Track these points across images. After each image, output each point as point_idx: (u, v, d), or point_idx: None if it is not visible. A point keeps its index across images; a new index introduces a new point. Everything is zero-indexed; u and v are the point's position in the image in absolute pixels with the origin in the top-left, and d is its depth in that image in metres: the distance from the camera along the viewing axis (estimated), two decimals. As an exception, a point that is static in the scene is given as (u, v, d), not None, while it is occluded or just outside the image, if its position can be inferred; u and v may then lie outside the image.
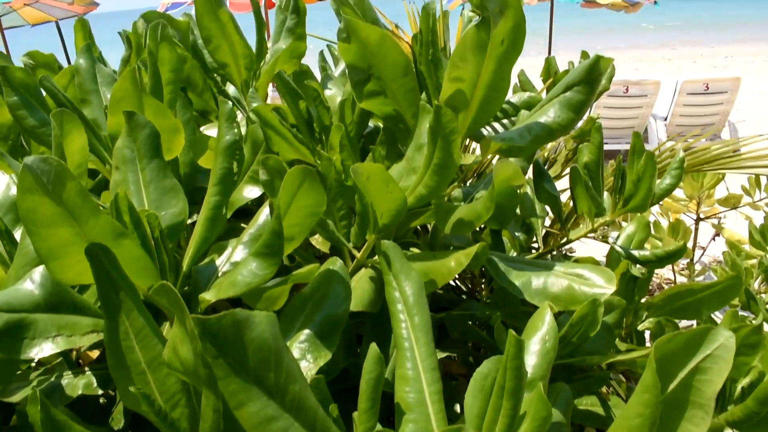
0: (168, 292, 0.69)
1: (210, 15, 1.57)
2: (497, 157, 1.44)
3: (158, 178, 1.11)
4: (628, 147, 6.37)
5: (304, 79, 1.64)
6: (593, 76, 1.13)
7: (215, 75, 1.72)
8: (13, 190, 1.26)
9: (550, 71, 2.20)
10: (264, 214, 1.19)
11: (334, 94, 1.57)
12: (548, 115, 1.17)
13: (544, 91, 2.10)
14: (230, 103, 1.09)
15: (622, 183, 1.50)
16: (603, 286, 1.16)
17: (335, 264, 1.01)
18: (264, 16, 7.79)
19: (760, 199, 3.98)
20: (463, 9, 1.81)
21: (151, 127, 1.11)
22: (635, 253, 1.55)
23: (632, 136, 1.54)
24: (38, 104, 1.27)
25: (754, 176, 3.98)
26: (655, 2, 7.66)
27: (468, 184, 1.70)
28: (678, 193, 4.01)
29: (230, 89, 1.79)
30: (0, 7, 8.77)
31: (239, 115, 1.83)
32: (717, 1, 49.65)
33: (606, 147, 7.37)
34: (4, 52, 8.53)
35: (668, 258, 1.54)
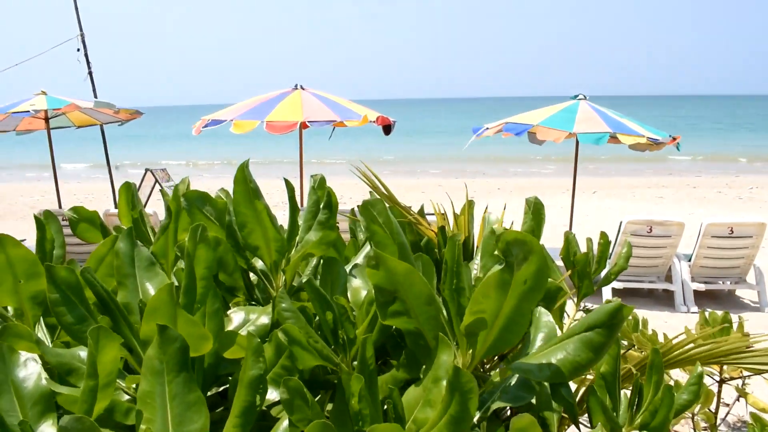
0: None
1: (246, 203, 1.66)
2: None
3: (183, 393, 1.15)
4: (651, 286, 6.30)
5: (333, 265, 1.70)
6: (614, 321, 1.16)
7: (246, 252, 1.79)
8: (43, 381, 1.30)
9: (569, 251, 2.25)
10: (282, 428, 1.21)
11: (359, 286, 1.62)
12: (567, 351, 1.20)
13: (566, 279, 2.13)
14: (258, 339, 1.13)
15: (639, 400, 1.51)
16: None
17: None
18: (299, 138, 8.10)
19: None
20: (485, 210, 1.88)
21: (181, 342, 1.16)
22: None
23: (651, 353, 1.56)
24: (78, 300, 1.34)
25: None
26: (677, 146, 7.81)
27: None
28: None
29: (259, 263, 1.85)
30: (50, 111, 9.22)
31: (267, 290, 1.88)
32: (742, 131, 50.55)
33: (630, 285, 7.35)
34: (50, 150, 8.88)
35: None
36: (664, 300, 7.80)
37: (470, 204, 1.90)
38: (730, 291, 8.12)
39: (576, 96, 8.30)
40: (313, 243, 1.68)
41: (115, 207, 12.37)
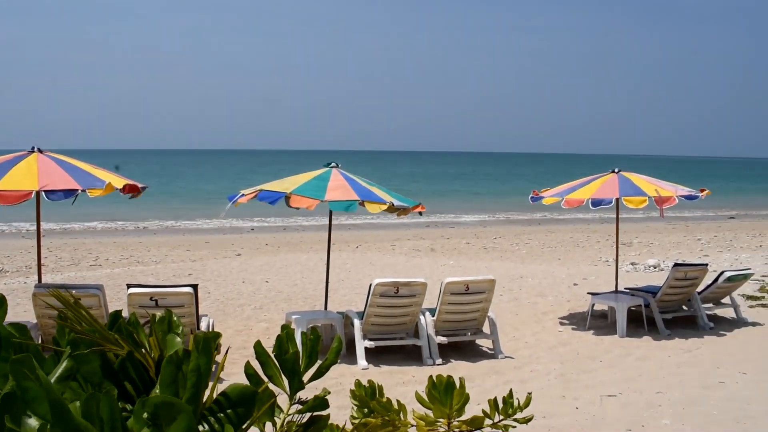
0: None
1: None
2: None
3: None
4: (401, 342, 6.69)
5: (10, 402, 1.61)
6: None
7: None
8: None
9: (281, 350, 2.34)
10: None
11: (32, 427, 1.55)
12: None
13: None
14: None
15: None
16: None
17: None
18: (37, 205, 7.46)
19: (499, 421, 4.38)
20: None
21: None
22: None
23: None
24: None
25: (494, 399, 4.39)
26: (420, 213, 8.55)
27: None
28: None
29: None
30: None
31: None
32: (494, 185, 56.45)
33: (381, 343, 7.73)
34: None
35: None
36: (414, 354, 8.33)
37: (164, 320, 1.92)
38: (471, 341, 8.91)
39: (329, 164, 8.71)
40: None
41: None
